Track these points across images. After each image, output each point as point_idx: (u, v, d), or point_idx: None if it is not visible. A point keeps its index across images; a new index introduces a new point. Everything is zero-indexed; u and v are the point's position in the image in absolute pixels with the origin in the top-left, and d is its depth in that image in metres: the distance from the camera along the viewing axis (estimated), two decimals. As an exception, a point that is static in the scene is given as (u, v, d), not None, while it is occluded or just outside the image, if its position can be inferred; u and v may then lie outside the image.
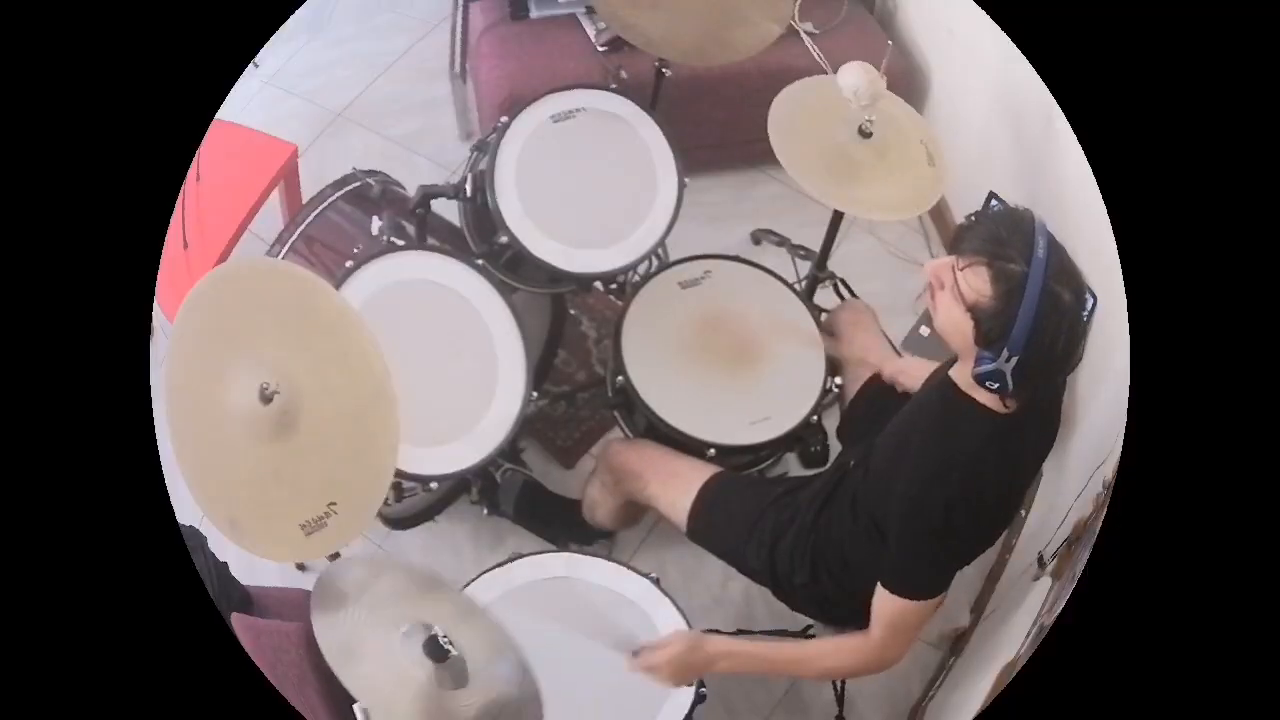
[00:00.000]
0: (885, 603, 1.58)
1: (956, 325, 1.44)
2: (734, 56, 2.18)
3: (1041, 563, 2.02)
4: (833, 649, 1.68)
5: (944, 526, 1.50)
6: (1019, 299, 1.35)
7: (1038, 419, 1.57)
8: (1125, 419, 1.25)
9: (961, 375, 1.51)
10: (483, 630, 1.50)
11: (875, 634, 1.60)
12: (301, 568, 2.21)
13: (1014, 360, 1.38)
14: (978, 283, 1.39)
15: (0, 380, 1.11)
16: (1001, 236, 1.38)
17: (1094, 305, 1.97)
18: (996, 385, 1.42)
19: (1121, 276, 1.25)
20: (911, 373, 1.92)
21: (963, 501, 1.49)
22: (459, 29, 3.08)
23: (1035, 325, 1.35)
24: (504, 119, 2.10)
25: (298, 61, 3.27)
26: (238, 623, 1.54)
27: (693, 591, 2.34)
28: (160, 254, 1.37)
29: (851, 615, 1.70)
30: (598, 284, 2.21)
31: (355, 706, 1.33)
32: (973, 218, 1.47)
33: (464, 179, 2.12)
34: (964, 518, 1.50)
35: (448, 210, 2.22)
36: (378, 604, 1.44)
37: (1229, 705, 1.00)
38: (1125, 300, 1.24)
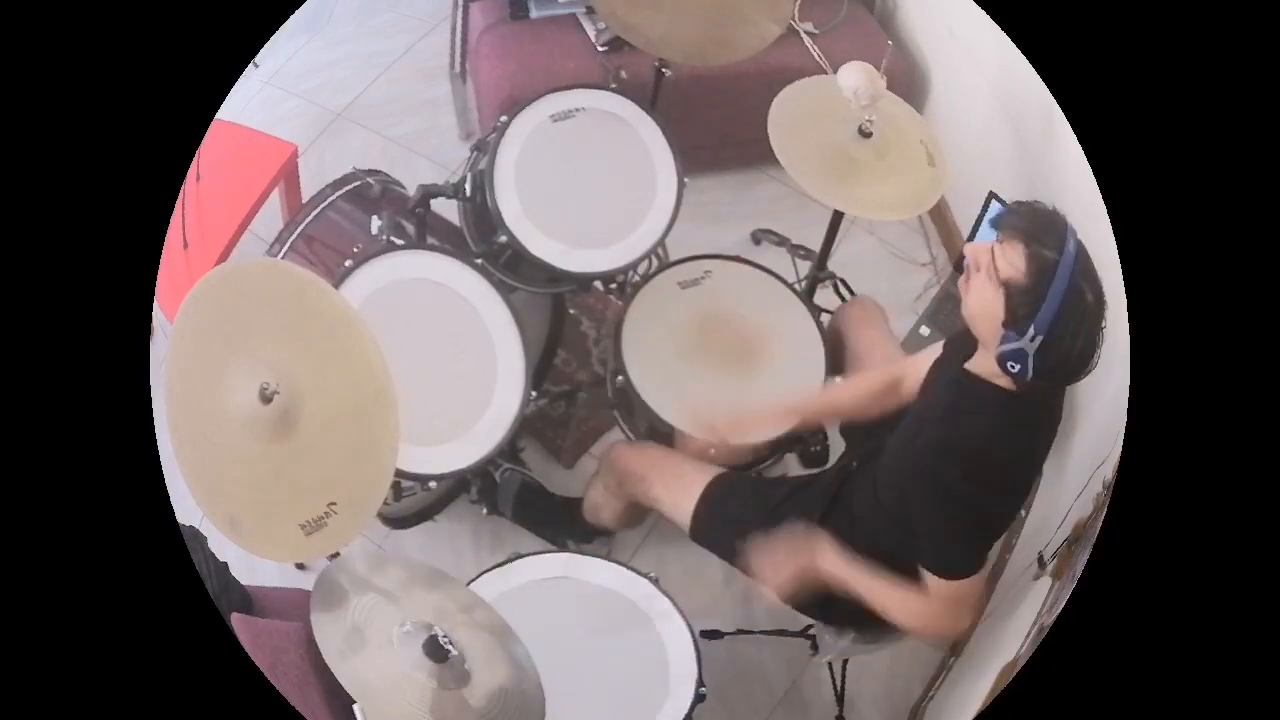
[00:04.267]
0: (934, 584, 1.59)
1: (987, 305, 1.48)
2: (734, 56, 2.18)
3: (1041, 563, 2.02)
4: (914, 604, 1.61)
5: (963, 496, 1.52)
6: (1049, 281, 1.42)
7: (1045, 401, 1.59)
8: (1125, 419, 1.26)
9: (981, 364, 1.55)
10: (484, 624, 1.50)
11: (935, 605, 1.59)
12: (301, 567, 2.20)
13: (1038, 340, 1.43)
14: (1014, 257, 1.45)
15: (1, 380, 1.11)
16: (1040, 224, 1.46)
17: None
18: (1018, 367, 1.46)
19: (1121, 276, 1.26)
20: (916, 371, 1.91)
21: (978, 467, 1.52)
22: (459, 29, 3.08)
23: (1061, 310, 1.41)
24: (503, 118, 2.10)
25: (297, 61, 3.27)
26: (238, 623, 1.54)
27: (693, 591, 2.34)
28: (160, 254, 1.37)
29: (851, 615, 1.70)
30: (597, 284, 2.21)
31: (355, 707, 1.33)
32: (1014, 204, 1.55)
33: (464, 178, 2.12)
34: (981, 485, 1.53)
35: (447, 210, 2.22)
36: (378, 603, 1.44)
37: (1228, 705, 1.00)
38: (1125, 300, 1.24)
